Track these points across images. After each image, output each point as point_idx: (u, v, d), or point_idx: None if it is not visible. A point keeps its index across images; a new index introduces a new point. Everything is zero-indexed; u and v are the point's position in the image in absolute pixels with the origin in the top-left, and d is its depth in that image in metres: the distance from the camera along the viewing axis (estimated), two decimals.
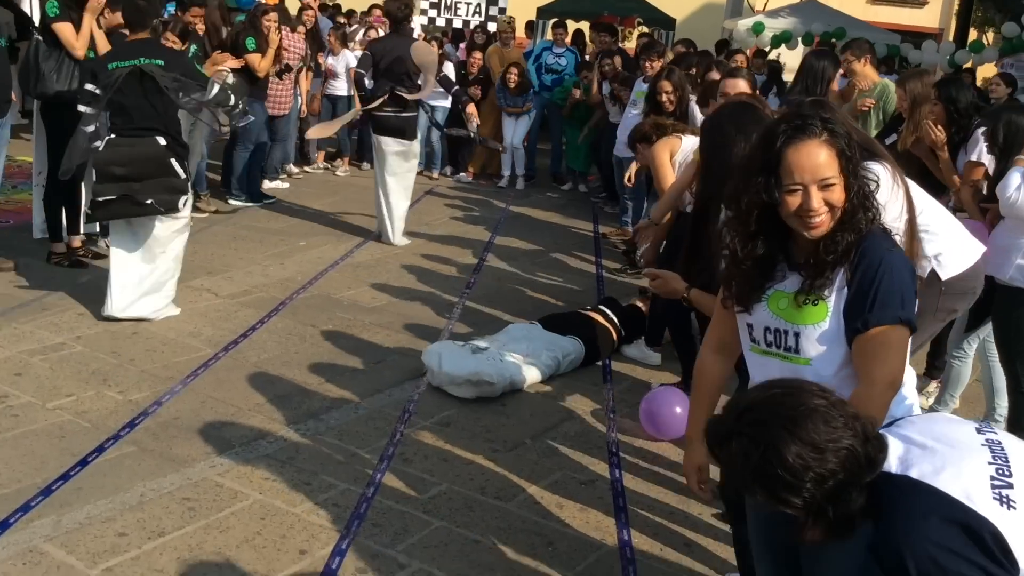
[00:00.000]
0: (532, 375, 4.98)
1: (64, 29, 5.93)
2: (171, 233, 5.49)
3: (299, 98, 9.93)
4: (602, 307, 5.82)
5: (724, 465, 1.82)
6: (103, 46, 6.16)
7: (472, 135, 8.59)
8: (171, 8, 11.59)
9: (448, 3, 12.76)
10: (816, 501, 1.69)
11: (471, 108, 8.26)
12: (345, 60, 10.44)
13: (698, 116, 6.47)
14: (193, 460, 3.90)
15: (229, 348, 5.14)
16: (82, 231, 6.56)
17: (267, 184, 9.26)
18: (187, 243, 5.76)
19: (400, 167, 7.68)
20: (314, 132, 8.64)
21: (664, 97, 6.37)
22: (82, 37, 6.00)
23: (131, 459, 3.86)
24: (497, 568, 3.33)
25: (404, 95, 7.39)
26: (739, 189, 2.11)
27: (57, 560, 3.16)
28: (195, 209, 7.95)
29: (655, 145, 5.48)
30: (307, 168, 10.84)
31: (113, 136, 5.26)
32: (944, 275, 3.54)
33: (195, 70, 5.66)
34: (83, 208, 6.29)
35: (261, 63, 8.29)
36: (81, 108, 5.26)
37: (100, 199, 5.24)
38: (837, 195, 2.06)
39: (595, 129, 10.26)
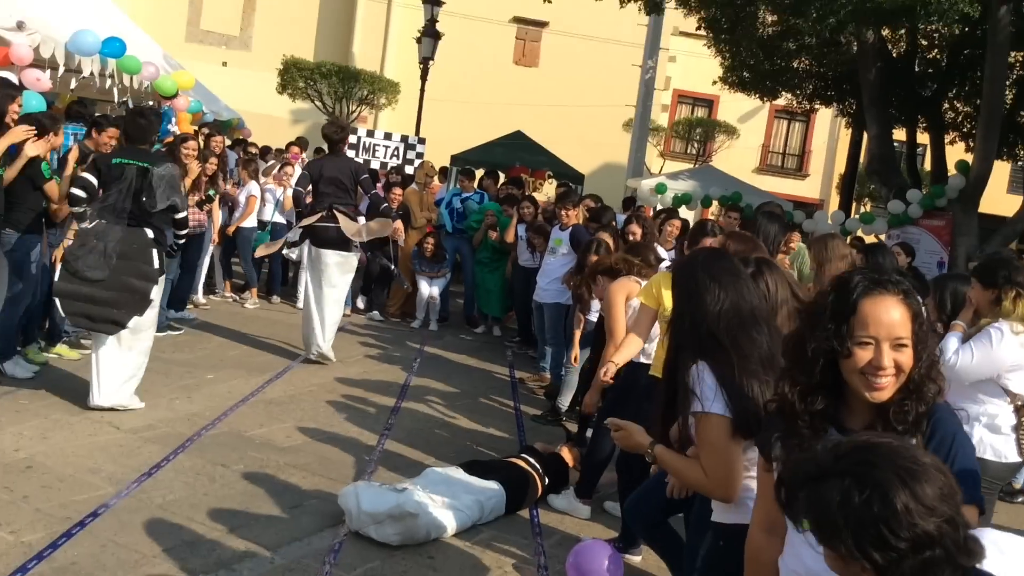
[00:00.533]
0: (454, 521, 4.75)
1: None
2: (146, 324, 6.03)
3: (211, 228, 9.73)
4: (524, 455, 5.67)
5: (807, 507, 1.62)
6: (9, 175, 5.93)
7: (393, 268, 8.82)
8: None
9: (367, 145, 12.94)
10: (899, 568, 1.53)
11: (399, 224, 8.80)
12: (248, 191, 10.47)
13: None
14: None
15: (131, 488, 4.76)
16: None
17: (172, 314, 8.91)
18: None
19: (338, 279, 8.03)
20: (261, 251, 8.92)
21: (632, 239, 6.53)
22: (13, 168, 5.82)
23: None
24: None
25: (341, 211, 7.86)
26: (803, 336, 2.00)
27: None
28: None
29: (613, 284, 5.41)
30: (213, 297, 10.55)
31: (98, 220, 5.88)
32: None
33: (180, 188, 6.34)
34: None
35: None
36: (74, 191, 5.94)
37: (85, 275, 5.75)
38: (907, 358, 1.96)
39: (503, 274, 10.45)
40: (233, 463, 5.35)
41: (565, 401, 7.31)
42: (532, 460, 5.52)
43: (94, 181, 5.94)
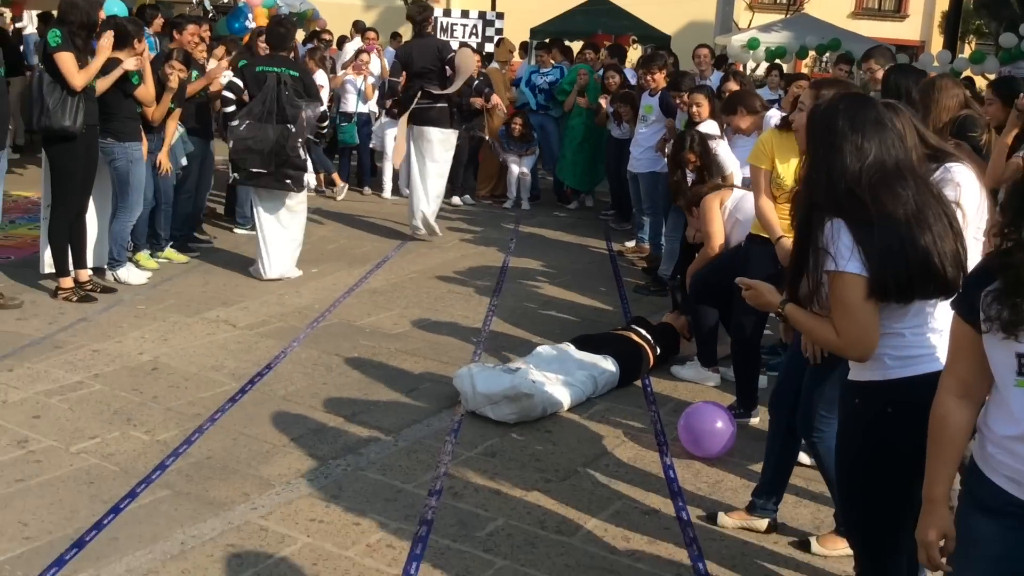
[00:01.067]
0: (569, 396, 4.77)
1: (64, 59, 5.68)
2: (300, 207, 7.04)
3: None
4: (634, 326, 5.62)
5: None
6: (102, 87, 5.96)
7: (487, 138, 9.53)
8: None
9: (444, 25, 12.63)
10: None
11: (495, 98, 9.26)
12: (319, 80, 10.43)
13: (723, 152, 6.26)
14: (232, 502, 3.66)
15: (255, 381, 4.90)
16: (90, 264, 6.32)
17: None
18: (199, 274, 5.96)
19: (440, 154, 8.40)
20: (398, 159, 9.08)
21: (690, 166, 6.12)
22: (86, 72, 5.76)
23: (166, 504, 3.62)
24: None
25: (434, 91, 8.11)
26: None
27: None
28: (199, 241, 7.79)
29: (706, 198, 5.40)
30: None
31: (251, 122, 6.67)
32: None
33: (315, 88, 7.17)
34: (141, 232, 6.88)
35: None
36: (225, 93, 6.93)
37: (251, 169, 6.71)
38: None
39: (593, 145, 10.18)
40: (346, 352, 5.45)
41: (667, 270, 7.19)
42: (642, 331, 5.47)
43: (241, 84, 6.85)
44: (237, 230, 8.41)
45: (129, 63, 6.06)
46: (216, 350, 5.35)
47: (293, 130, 6.72)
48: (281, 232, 6.97)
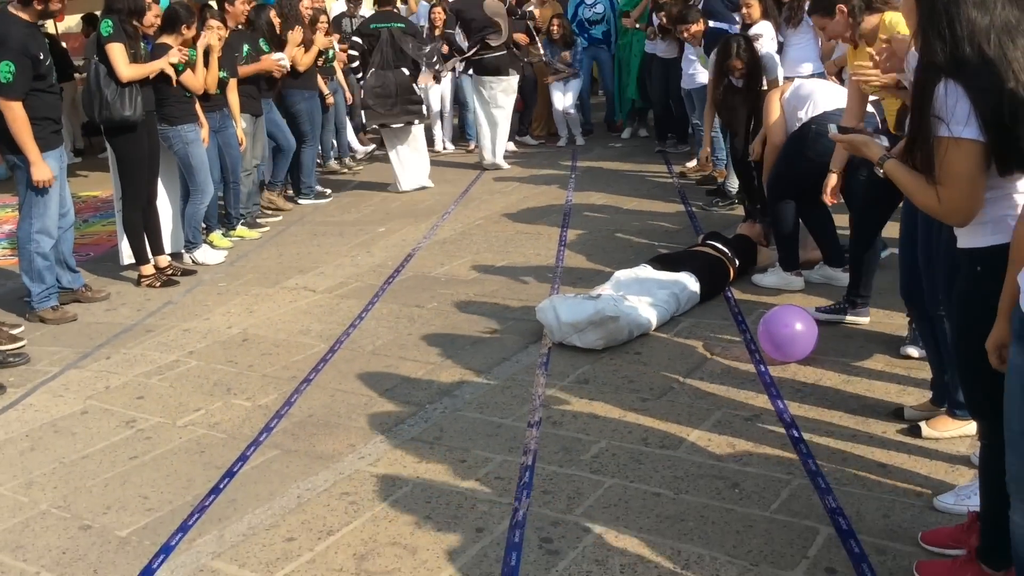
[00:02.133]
0: (654, 315, 4.74)
1: (113, 50, 5.74)
2: (419, 131, 8.67)
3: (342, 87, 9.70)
4: (709, 241, 5.54)
5: None
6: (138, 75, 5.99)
7: (544, 58, 10.11)
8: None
9: None
10: None
11: (522, 37, 9.65)
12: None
13: (775, 59, 6.11)
14: (340, 454, 3.74)
15: (342, 340, 4.98)
16: (167, 250, 6.46)
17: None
18: (272, 247, 6.16)
19: (502, 100, 9.31)
20: (423, 79, 9.48)
21: (736, 74, 5.95)
22: (136, 68, 5.81)
23: (277, 463, 3.71)
24: (688, 517, 3.11)
25: (491, 42, 8.97)
26: None
27: (232, 575, 3.02)
28: (269, 213, 7.89)
29: (768, 94, 5.42)
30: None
31: (375, 70, 8.36)
32: None
33: (420, 33, 9.10)
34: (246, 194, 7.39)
35: (304, 57, 8.09)
36: (352, 52, 8.67)
37: (380, 111, 8.39)
38: None
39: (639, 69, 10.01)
40: (426, 302, 5.50)
41: (732, 183, 7.07)
42: (718, 244, 5.40)
43: (360, 42, 8.49)
44: (301, 200, 8.50)
45: (172, 56, 6.06)
46: (300, 316, 5.45)
47: (407, 73, 8.36)
48: (410, 154, 8.63)
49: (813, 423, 3.67)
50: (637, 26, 9.81)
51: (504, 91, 9.26)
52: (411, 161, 8.67)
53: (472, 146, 10.70)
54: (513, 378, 4.35)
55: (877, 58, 3.49)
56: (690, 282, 5.00)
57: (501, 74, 9.17)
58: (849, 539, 2.89)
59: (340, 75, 9.55)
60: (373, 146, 10.88)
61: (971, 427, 3.34)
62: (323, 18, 8.70)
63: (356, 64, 8.50)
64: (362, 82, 8.56)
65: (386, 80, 8.26)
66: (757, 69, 5.89)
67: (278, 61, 7.49)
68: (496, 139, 9.42)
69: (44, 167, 5.25)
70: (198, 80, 6.43)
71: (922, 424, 3.51)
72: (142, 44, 5.99)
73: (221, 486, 3.55)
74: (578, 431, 3.77)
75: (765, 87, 5.99)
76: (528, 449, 3.64)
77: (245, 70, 7.17)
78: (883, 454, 3.41)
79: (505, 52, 9.11)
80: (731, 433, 3.66)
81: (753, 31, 6.35)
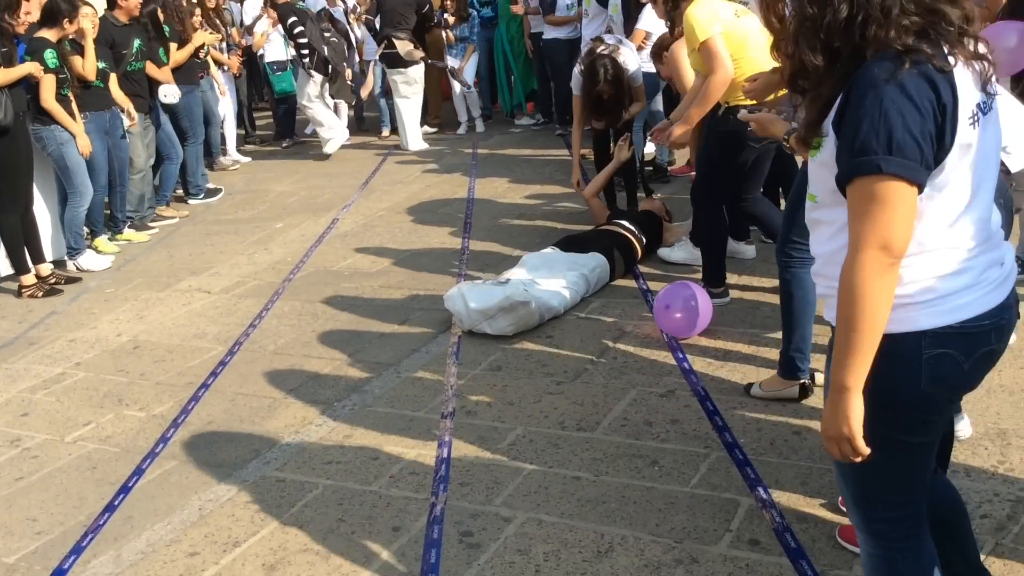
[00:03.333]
0: (564, 298, 4.66)
1: None
2: (416, 84, 9.40)
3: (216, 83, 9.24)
4: (615, 220, 5.50)
5: None
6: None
7: (449, 66, 9.82)
8: None
9: None
10: None
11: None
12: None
13: (639, 69, 5.98)
14: (243, 461, 3.55)
15: (241, 342, 4.75)
16: (49, 257, 6.09)
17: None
18: (162, 249, 5.86)
19: (407, 91, 9.45)
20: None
21: (606, 96, 5.72)
22: (3, 73, 5.47)
23: (176, 474, 3.50)
24: (609, 499, 3.04)
25: (400, 37, 9.14)
26: None
27: None
28: (160, 218, 7.54)
29: (673, 45, 5.19)
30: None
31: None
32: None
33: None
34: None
35: (177, 53, 7.73)
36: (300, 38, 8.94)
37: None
38: None
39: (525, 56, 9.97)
40: (329, 297, 5.30)
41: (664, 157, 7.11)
42: (623, 222, 5.35)
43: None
44: (191, 201, 8.15)
45: (28, 67, 5.66)
46: (195, 318, 5.19)
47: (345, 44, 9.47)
48: (409, 105, 9.47)
49: (727, 395, 3.65)
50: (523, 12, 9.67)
51: (407, 82, 9.35)
52: (411, 113, 9.44)
53: (385, 132, 10.58)
54: (424, 369, 4.21)
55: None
56: (599, 262, 4.94)
57: (400, 66, 9.23)
58: (770, 509, 2.87)
59: (215, 71, 9.08)
60: (248, 159, 10.37)
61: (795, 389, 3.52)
62: (197, 11, 8.34)
63: (304, 41, 8.87)
64: (312, 69, 9.01)
65: (339, 47, 9.22)
66: (622, 85, 5.75)
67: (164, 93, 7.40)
68: (407, 125, 9.57)
69: None
70: (88, 70, 6.17)
71: (754, 384, 3.63)
72: (13, 41, 5.60)
73: (116, 503, 3.33)
74: (493, 419, 3.66)
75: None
76: (443, 441, 3.51)
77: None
78: (797, 422, 3.40)
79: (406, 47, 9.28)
80: (647, 411, 3.60)
81: (613, 40, 6.12)
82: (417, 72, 9.40)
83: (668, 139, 4.74)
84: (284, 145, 10.54)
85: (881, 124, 1.61)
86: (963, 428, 3.07)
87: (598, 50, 5.76)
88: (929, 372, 1.72)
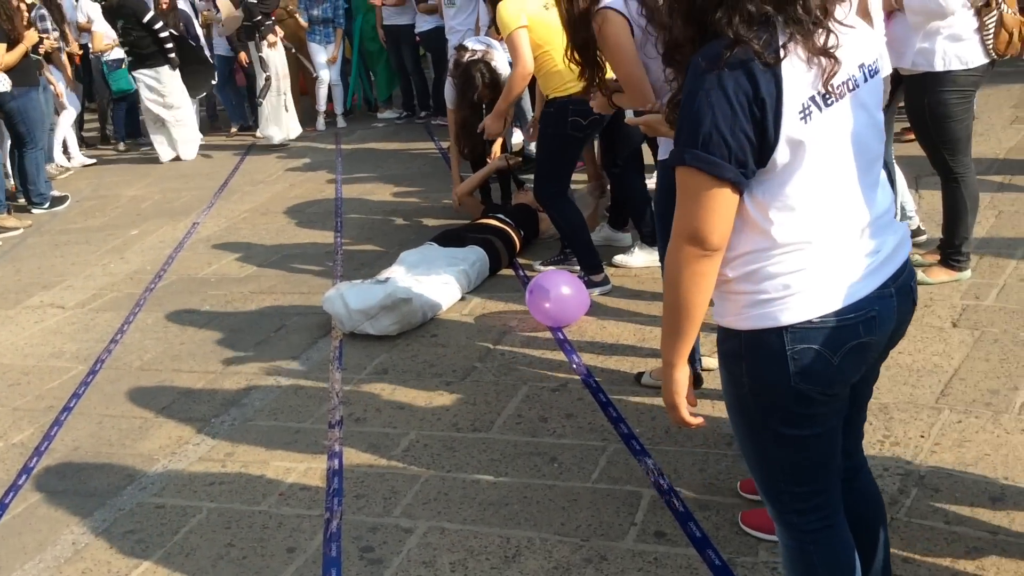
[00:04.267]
0: (446, 294, 4.58)
1: None
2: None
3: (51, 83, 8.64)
4: (490, 214, 5.45)
5: None
6: None
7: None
8: None
9: None
10: None
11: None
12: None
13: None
14: (117, 488, 3.31)
15: (103, 359, 4.45)
16: None
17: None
18: (7, 263, 5.48)
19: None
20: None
21: (486, 100, 5.55)
22: None
23: (43, 507, 3.23)
24: (511, 500, 2.98)
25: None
26: None
27: None
28: (3, 229, 7.01)
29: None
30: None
31: None
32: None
33: None
34: None
35: (6, 55, 7.14)
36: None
37: None
38: None
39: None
40: (197, 306, 5.04)
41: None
42: (500, 216, 5.31)
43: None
44: (35, 210, 7.62)
45: None
46: (50, 336, 4.83)
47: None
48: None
49: (618, 386, 3.65)
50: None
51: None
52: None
53: (234, 129, 10.23)
54: (305, 376, 4.05)
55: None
56: (479, 256, 4.88)
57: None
58: (672, 498, 2.88)
59: (47, 71, 8.49)
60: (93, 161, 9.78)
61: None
62: (22, 6, 7.78)
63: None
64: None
65: None
66: (499, 87, 5.66)
67: None
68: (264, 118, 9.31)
69: None
70: None
71: (645, 372, 3.66)
72: None
73: None
74: (384, 425, 3.55)
75: None
76: (333, 452, 3.38)
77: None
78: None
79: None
80: (541, 406, 3.57)
81: (480, 46, 6.01)
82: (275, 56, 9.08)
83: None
84: (121, 148, 10.02)
85: (692, 116, 1.62)
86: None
87: (468, 58, 5.65)
88: (796, 368, 1.72)
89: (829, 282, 1.71)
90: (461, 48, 5.88)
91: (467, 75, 5.57)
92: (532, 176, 6.39)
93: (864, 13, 2.55)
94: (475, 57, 5.64)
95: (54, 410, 3.97)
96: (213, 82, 10.00)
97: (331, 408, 3.72)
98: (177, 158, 9.09)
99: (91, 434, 3.73)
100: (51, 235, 6.91)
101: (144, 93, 8.92)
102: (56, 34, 8.88)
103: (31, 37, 7.45)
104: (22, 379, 4.33)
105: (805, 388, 1.73)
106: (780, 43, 1.61)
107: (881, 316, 1.76)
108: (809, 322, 1.70)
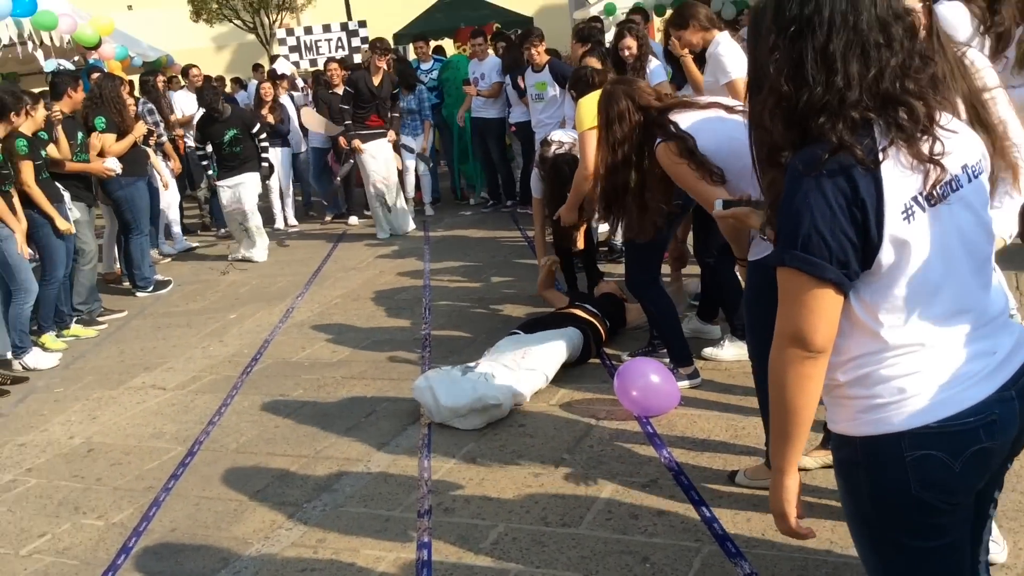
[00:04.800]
0: (531, 384, 4.59)
1: None
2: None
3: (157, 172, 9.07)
4: (576, 303, 5.48)
5: None
6: None
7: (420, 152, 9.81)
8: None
9: (308, 44, 12.29)
10: None
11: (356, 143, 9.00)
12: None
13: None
14: (212, 571, 3.37)
15: (201, 441, 4.58)
16: None
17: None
18: (112, 344, 5.74)
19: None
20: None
21: (627, 53, 6.02)
22: None
23: None
24: None
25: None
26: None
27: None
28: (108, 312, 7.32)
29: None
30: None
31: None
32: None
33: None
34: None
35: (115, 145, 7.52)
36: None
37: None
38: None
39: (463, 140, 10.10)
40: (291, 390, 5.16)
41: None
42: (587, 306, 5.34)
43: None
44: (140, 294, 7.95)
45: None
46: (151, 417, 5.00)
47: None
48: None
49: (711, 483, 3.59)
50: (479, 92, 9.73)
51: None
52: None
53: (328, 218, 10.63)
54: (395, 464, 4.09)
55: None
56: (564, 345, 4.89)
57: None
58: None
59: (155, 160, 8.94)
60: (196, 245, 10.21)
61: None
62: (131, 101, 8.25)
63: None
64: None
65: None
66: (644, 55, 5.99)
67: (107, 166, 7.18)
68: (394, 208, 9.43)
69: None
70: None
71: (739, 471, 3.56)
72: None
73: None
74: (472, 516, 3.55)
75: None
76: (422, 543, 3.39)
77: (73, 167, 6.78)
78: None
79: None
80: (631, 502, 3.53)
81: (567, 138, 6.12)
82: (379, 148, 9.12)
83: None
84: (220, 234, 10.42)
85: (791, 217, 1.63)
86: (997, 552, 2.79)
87: (555, 150, 5.82)
88: (916, 475, 1.68)
89: (945, 385, 1.68)
90: (545, 143, 6.03)
91: (556, 168, 5.71)
92: (616, 263, 6.44)
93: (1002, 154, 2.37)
94: (562, 150, 5.79)
95: (153, 490, 4.08)
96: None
97: (420, 497, 3.74)
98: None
99: (188, 515, 3.82)
100: (154, 317, 7.19)
101: (226, 197, 8.92)
102: (163, 126, 9.41)
103: (139, 128, 7.89)
104: (123, 459, 4.48)
105: (927, 496, 1.69)
106: (881, 146, 1.63)
107: (1002, 420, 1.71)
108: (927, 427, 1.67)
